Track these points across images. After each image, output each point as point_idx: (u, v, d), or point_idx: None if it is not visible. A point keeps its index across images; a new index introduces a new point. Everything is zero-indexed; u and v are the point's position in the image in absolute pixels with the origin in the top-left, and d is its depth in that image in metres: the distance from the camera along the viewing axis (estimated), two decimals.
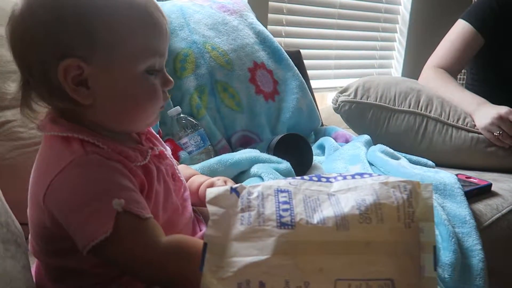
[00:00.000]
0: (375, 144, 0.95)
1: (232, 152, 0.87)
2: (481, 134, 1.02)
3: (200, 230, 0.56)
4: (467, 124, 1.03)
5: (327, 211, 0.37)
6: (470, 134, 1.02)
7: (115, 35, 0.43)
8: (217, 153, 0.89)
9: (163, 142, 0.57)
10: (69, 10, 0.41)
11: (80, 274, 0.47)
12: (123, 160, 0.45)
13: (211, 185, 0.58)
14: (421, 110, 1.05)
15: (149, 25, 0.45)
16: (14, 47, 0.44)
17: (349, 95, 1.10)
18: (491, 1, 1.20)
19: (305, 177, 0.42)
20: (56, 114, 0.46)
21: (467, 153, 1.03)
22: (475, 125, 1.03)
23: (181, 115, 0.87)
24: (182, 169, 0.64)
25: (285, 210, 0.37)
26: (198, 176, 0.63)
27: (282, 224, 0.36)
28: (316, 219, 0.37)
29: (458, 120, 1.03)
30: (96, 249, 0.40)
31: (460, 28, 1.22)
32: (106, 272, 0.46)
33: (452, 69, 1.22)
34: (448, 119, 1.04)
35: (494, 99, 1.07)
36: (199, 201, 0.58)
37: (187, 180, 0.61)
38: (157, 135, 0.57)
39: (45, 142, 0.47)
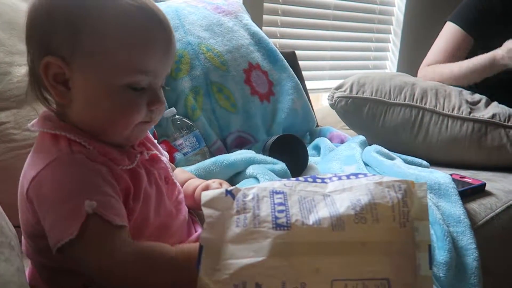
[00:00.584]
0: (370, 144, 0.95)
1: (228, 153, 0.87)
2: (477, 121, 1.02)
3: (196, 231, 0.56)
4: (462, 112, 1.04)
5: (322, 212, 0.37)
6: (466, 123, 1.03)
7: (99, 44, 0.43)
8: (212, 154, 0.89)
9: (159, 147, 0.57)
10: (61, 11, 0.43)
11: (70, 274, 0.46)
12: (107, 162, 0.44)
13: (206, 188, 0.58)
14: (416, 102, 1.06)
15: (141, 42, 0.44)
16: (25, 37, 0.46)
17: (344, 91, 1.10)
18: (477, 1, 1.21)
19: (300, 178, 0.42)
20: (49, 112, 0.47)
21: (463, 143, 1.03)
22: (470, 112, 1.03)
23: (176, 116, 0.87)
24: (179, 173, 0.64)
25: (281, 211, 0.37)
26: (194, 179, 0.63)
27: (277, 226, 0.36)
28: (311, 220, 0.37)
29: (453, 109, 1.04)
30: (64, 249, 0.40)
31: (449, 30, 1.24)
32: None
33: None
34: (443, 110, 1.04)
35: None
36: (195, 204, 0.58)
37: (183, 184, 0.61)
38: (154, 140, 0.57)
39: (37, 139, 0.47)
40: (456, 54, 1.23)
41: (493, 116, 1.03)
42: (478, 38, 1.21)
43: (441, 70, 1.18)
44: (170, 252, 0.42)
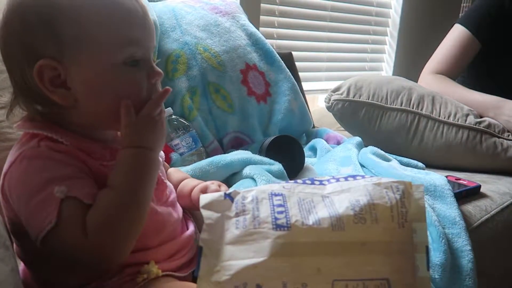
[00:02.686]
0: (366, 146, 0.95)
1: (224, 153, 0.87)
2: (472, 129, 1.03)
3: (187, 229, 0.55)
4: (457, 119, 1.04)
5: (321, 213, 0.37)
6: (461, 130, 1.03)
7: (80, 30, 0.43)
8: (208, 155, 0.88)
9: None
10: (30, 13, 0.42)
11: (65, 274, 0.46)
12: (81, 156, 0.44)
13: (205, 189, 0.58)
14: (412, 107, 1.06)
15: (119, 15, 0.44)
16: (2, 57, 0.45)
17: (341, 94, 1.10)
18: (489, 6, 1.21)
19: (299, 180, 0.42)
20: (34, 114, 0.47)
21: (458, 149, 1.04)
22: (466, 120, 1.04)
23: (173, 117, 0.87)
24: (173, 173, 0.64)
25: (280, 212, 0.37)
26: (190, 179, 0.63)
27: (277, 226, 0.36)
28: (311, 220, 0.37)
29: (449, 116, 1.05)
30: (46, 240, 0.40)
31: (456, 33, 1.23)
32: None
33: (450, 75, 1.23)
34: (439, 116, 1.05)
35: None
36: (191, 204, 0.58)
37: (178, 183, 0.61)
38: None
39: (18, 139, 0.47)
40: (462, 61, 1.23)
41: (489, 126, 1.04)
42: (486, 44, 1.21)
43: (441, 90, 1.15)
44: (111, 186, 0.43)
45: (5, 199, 0.44)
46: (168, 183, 0.55)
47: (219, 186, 0.59)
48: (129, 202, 0.42)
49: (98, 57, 0.43)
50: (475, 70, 1.29)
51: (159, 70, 0.48)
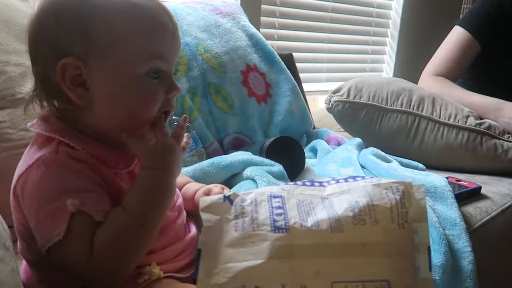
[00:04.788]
0: (367, 147, 0.95)
1: (224, 154, 0.87)
2: (472, 130, 1.02)
3: (189, 231, 0.56)
4: (458, 121, 1.04)
5: (320, 214, 0.37)
6: (461, 132, 1.03)
7: (111, 36, 0.43)
8: (209, 156, 0.88)
9: None
10: (66, 11, 0.43)
11: (66, 274, 0.46)
12: (96, 164, 0.44)
13: (208, 191, 0.58)
14: (413, 109, 1.06)
15: (151, 28, 0.45)
16: (28, 51, 0.46)
17: (342, 95, 1.10)
18: (488, 7, 1.20)
19: (298, 182, 0.42)
20: (50, 113, 0.47)
21: (458, 151, 1.04)
22: (466, 122, 1.03)
23: (173, 118, 0.87)
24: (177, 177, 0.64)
25: (279, 214, 0.37)
26: (193, 183, 0.63)
27: (276, 228, 0.36)
28: (310, 222, 0.37)
29: (449, 118, 1.05)
30: (52, 249, 0.41)
31: (456, 35, 1.23)
32: None
33: (450, 76, 1.23)
34: (439, 118, 1.05)
35: None
36: (194, 207, 0.58)
37: (181, 188, 0.61)
38: None
39: (33, 138, 0.47)
40: (462, 62, 1.22)
41: (489, 127, 1.03)
42: (486, 45, 1.21)
43: (441, 92, 1.15)
44: (124, 207, 0.43)
45: (17, 201, 0.44)
46: (176, 189, 0.56)
47: (223, 189, 0.59)
48: (139, 227, 0.42)
49: (123, 65, 0.44)
50: (474, 72, 1.29)
51: (178, 86, 0.48)
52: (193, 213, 0.60)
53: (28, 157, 0.44)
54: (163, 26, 0.46)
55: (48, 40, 0.44)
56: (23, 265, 0.51)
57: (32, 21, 0.45)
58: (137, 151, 0.46)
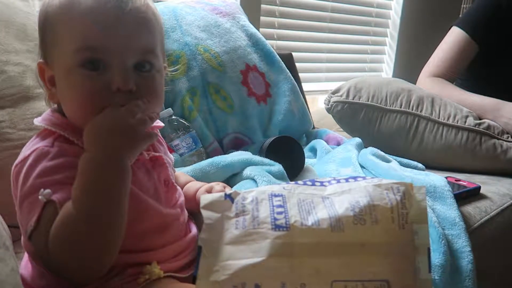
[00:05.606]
0: (366, 147, 0.95)
1: (224, 154, 0.87)
2: (472, 130, 1.02)
3: (190, 231, 0.56)
4: (457, 121, 1.04)
5: (321, 213, 0.37)
6: (461, 132, 1.03)
7: (54, 34, 0.45)
8: (208, 155, 0.88)
9: (166, 150, 0.57)
10: (39, 19, 0.48)
11: None
12: None
13: (210, 189, 0.58)
14: (412, 109, 1.06)
15: (79, 19, 0.43)
16: None
17: (341, 96, 1.10)
18: (485, 7, 1.21)
19: (299, 182, 0.42)
20: (55, 109, 0.49)
21: (457, 151, 1.04)
22: (465, 122, 1.04)
23: (173, 117, 0.87)
24: (179, 176, 0.64)
25: (280, 213, 0.37)
26: (194, 182, 0.64)
27: (276, 227, 0.36)
28: (310, 221, 0.37)
29: (448, 118, 1.05)
30: (30, 241, 0.41)
31: (454, 35, 1.23)
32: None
33: (448, 77, 1.23)
34: (438, 118, 1.05)
35: None
36: (195, 206, 0.58)
37: (183, 187, 0.61)
38: (164, 143, 0.57)
39: (39, 130, 0.49)
40: (460, 63, 1.22)
41: (488, 127, 1.04)
42: (483, 46, 1.21)
43: (439, 93, 1.15)
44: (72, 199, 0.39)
45: (15, 187, 0.45)
46: (178, 187, 0.56)
47: (224, 187, 0.59)
48: (87, 223, 0.38)
49: (61, 60, 0.45)
50: (472, 72, 1.29)
51: (124, 78, 0.43)
52: (194, 212, 0.60)
53: (27, 148, 0.46)
54: (99, 15, 0.42)
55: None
56: (24, 260, 0.51)
57: None
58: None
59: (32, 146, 0.45)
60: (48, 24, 0.46)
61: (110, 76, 0.43)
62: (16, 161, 0.45)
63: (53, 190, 0.41)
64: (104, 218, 0.39)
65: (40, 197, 0.40)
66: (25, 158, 0.44)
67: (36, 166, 0.43)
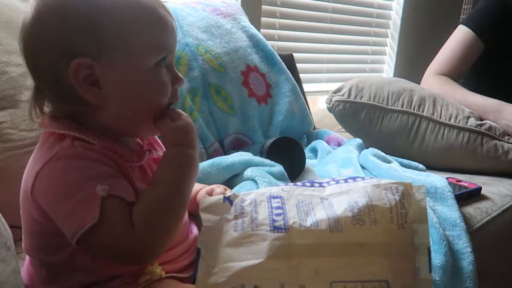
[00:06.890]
0: (367, 147, 0.95)
1: (225, 155, 0.87)
2: (473, 131, 1.02)
3: (192, 232, 0.56)
4: (459, 121, 1.04)
5: (320, 214, 0.37)
6: (462, 132, 1.03)
7: (121, 33, 0.44)
8: (209, 156, 0.88)
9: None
10: (73, 12, 0.43)
11: (72, 273, 0.46)
12: (114, 157, 0.45)
13: (211, 192, 0.59)
14: (413, 109, 1.06)
15: (154, 22, 0.46)
16: (26, 56, 0.45)
17: (343, 95, 1.10)
18: (492, 6, 1.20)
19: (298, 183, 0.42)
20: (58, 114, 0.47)
21: (458, 152, 1.04)
22: (467, 122, 1.03)
23: None
24: None
25: (278, 214, 0.37)
26: (195, 184, 0.64)
27: (275, 228, 0.36)
28: (309, 222, 0.37)
29: (450, 118, 1.05)
30: (85, 237, 0.40)
31: (460, 34, 1.23)
32: (99, 271, 0.46)
33: (453, 76, 1.23)
34: (440, 118, 1.05)
35: None
36: (196, 208, 0.58)
37: None
38: (162, 144, 0.57)
39: (41, 137, 0.47)
40: (465, 62, 1.22)
41: (489, 128, 1.03)
42: (489, 45, 1.21)
43: (443, 92, 1.15)
44: (155, 183, 0.45)
45: (33, 197, 0.44)
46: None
47: (225, 190, 0.59)
48: (173, 196, 0.44)
49: (136, 60, 0.45)
50: (477, 72, 1.29)
51: (181, 76, 0.50)
52: (195, 214, 0.60)
53: (41, 155, 0.44)
54: (164, 18, 0.47)
55: (55, 42, 0.43)
56: (25, 265, 0.51)
57: (33, 25, 0.44)
58: (164, 130, 0.47)
59: (47, 152, 0.44)
60: (108, 20, 0.43)
61: (171, 75, 0.49)
62: (35, 171, 0.43)
63: (108, 184, 0.41)
64: (185, 196, 0.46)
65: (100, 192, 0.40)
66: (46, 164, 0.43)
67: (71, 165, 0.42)
